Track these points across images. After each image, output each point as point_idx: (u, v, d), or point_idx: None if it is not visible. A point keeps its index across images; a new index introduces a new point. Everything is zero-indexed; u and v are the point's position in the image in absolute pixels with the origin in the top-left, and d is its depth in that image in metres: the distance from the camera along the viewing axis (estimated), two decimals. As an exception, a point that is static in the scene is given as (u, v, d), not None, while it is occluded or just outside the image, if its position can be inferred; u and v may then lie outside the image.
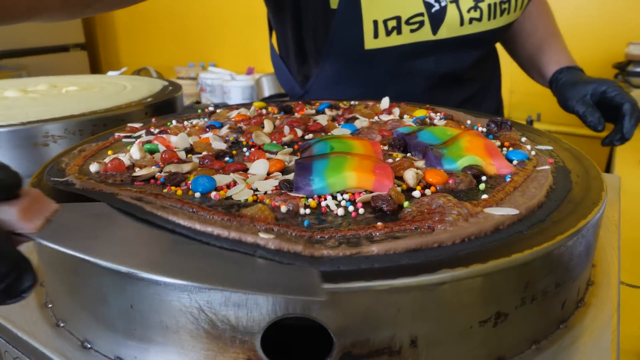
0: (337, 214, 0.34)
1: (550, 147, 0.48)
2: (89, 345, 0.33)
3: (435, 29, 0.68)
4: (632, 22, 1.53)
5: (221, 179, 0.39)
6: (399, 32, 0.67)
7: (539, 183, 0.38)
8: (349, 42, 0.69)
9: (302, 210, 0.34)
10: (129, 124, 0.60)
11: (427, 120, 0.57)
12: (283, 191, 0.36)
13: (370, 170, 0.36)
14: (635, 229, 0.67)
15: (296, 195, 0.35)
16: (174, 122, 0.61)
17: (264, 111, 0.66)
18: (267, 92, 2.59)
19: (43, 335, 0.34)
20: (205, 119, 0.62)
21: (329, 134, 0.53)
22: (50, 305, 0.37)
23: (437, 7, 0.68)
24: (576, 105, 0.70)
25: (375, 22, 0.66)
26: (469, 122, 0.58)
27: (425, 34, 0.69)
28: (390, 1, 0.66)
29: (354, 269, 0.27)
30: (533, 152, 0.46)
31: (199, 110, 0.68)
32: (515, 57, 0.92)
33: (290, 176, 0.39)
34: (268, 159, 0.44)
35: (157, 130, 0.54)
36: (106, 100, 0.78)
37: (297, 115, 0.62)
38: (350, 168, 0.36)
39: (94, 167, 0.42)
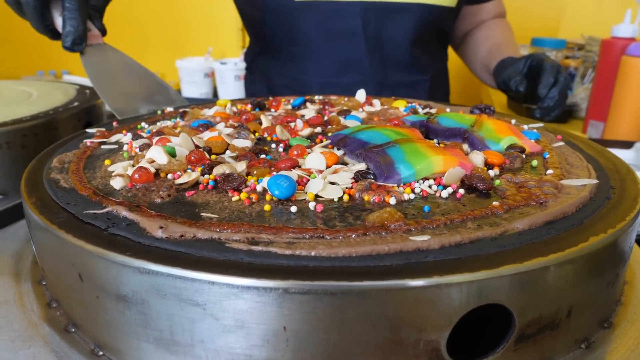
0: (441, 195, 0.33)
1: (541, 125, 0.53)
2: (194, 390, 0.26)
3: None
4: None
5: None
6: None
7: (575, 156, 0.41)
8: None
9: (405, 196, 0.32)
10: (92, 130, 0.50)
11: (416, 107, 0.59)
12: (371, 181, 0.34)
13: (449, 153, 0.36)
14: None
15: (387, 184, 0.33)
16: (143, 124, 0.52)
17: (235, 109, 0.60)
18: (136, 99, 2.39)
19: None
20: (179, 119, 0.55)
21: (335, 127, 0.50)
22: (101, 353, 0.29)
23: None
24: (506, 75, 0.74)
25: None
26: (448, 110, 0.61)
27: None
28: None
29: (517, 246, 0.26)
30: (535, 131, 0.50)
31: (159, 112, 0.60)
32: (471, 65, 0.99)
33: (356, 167, 0.37)
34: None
35: (144, 133, 0.46)
36: (21, 106, 0.64)
37: (274, 112, 0.59)
38: (432, 153, 0.35)
39: (117, 183, 0.34)
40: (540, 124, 0.53)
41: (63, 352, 0.29)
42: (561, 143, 0.46)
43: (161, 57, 2.53)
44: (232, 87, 2.20)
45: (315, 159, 0.38)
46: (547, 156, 0.42)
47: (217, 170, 0.35)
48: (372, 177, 0.34)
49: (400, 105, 0.61)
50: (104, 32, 0.62)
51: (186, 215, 0.30)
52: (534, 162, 0.40)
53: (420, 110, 0.59)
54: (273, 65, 0.92)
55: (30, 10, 0.55)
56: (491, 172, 0.37)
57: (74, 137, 0.49)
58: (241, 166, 0.35)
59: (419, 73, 0.89)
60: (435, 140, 0.46)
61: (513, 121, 0.54)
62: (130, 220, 0.29)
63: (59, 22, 0.57)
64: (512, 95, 0.79)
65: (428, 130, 0.47)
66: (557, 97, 0.70)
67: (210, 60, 2.16)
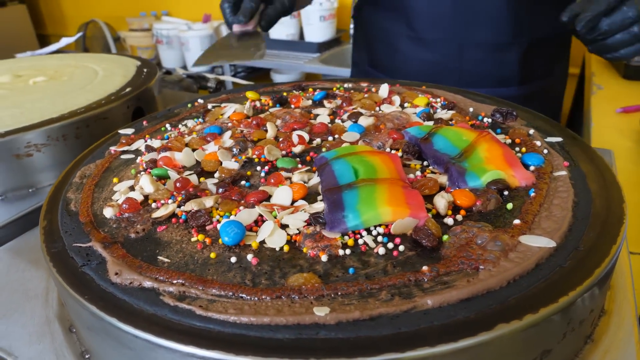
0: (377, 252, 0.34)
1: (559, 139, 0.49)
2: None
3: None
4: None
5: (248, 216, 0.37)
6: None
7: (562, 199, 0.39)
8: None
9: (340, 252, 0.34)
10: (120, 132, 0.57)
11: (431, 111, 0.57)
12: (317, 231, 0.36)
13: (403, 203, 0.36)
14: (632, 191, 0.68)
15: (331, 236, 0.35)
16: (167, 125, 0.58)
17: (257, 104, 0.63)
18: (228, 40, 2.47)
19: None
20: (200, 119, 0.59)
21: (337, 137, 0.51)
22: (87, 356, 0.37)
23: None
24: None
25: None
26: (471, 109, 0.58)
27: None
28: None
29: (414, 329, 0.28)
30: (545, 151, 0.46)
31: (189, 105, 0.64)
32: None
33: (317, 205, 0.39)
34: (285, 178, 0.43)
35: (156, 144, 0.52)
36: (81, 93, 0.72)
37: (294, 108, 0.60)
38: (384, 202, 0.36)
39: (108, 212, 0.40)
40: (559, 138, 0.49)
41: (61, 352, 0.37)
42: (563, 172, 0.42)
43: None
44: (317, 27, 2.19)
45: (282, 193, 0.40)
46: (532, 194, 0.39)
47: (187, 206, 0.39)
48: (321, 221, 0.36)
49: (421, 103, 0.59)
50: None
51: (147, 257, 0.35)
52: (509, 205, 0.38)
53: (440, 112, 0.57)
54: (372, 15, 0.89)
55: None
56: (449, 220, 0.37)
57: (106, 141, 0.55)
58: (209, 202, 0.39)
59: (512, 35, 0.77)
60: (426, 162, 0.46)
61: (531, 131, 0.50)
62: (102, 258, 0.35)
63: None
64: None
65: (421, 150, 0.47)
66: (605, 30, 0.54)
67: (294, 1, 2.15)
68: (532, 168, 0.44)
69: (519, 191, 0.41)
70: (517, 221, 0.36)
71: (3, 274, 0.46)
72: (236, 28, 0.72)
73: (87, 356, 0.37)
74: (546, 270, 0.32)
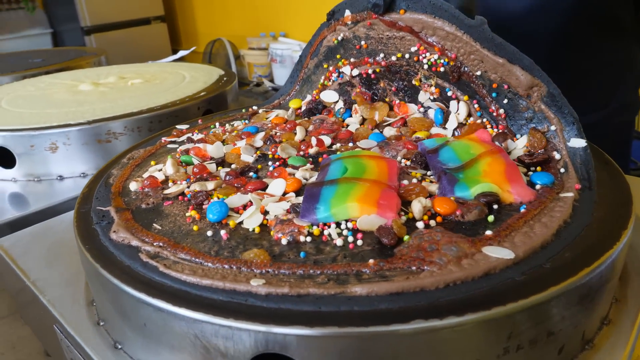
0: (335, 243, 0.35)
1: (584, 143, 0.44)
2: (120, 347, 0.38)
3: None
4: None
5: (238, 200, 0.41)
6: None
7: (552, 218, 0.37)
8: None
9: (302, 238, 0.36)
10: (176, 126, 0.65)
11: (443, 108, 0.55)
12: (290, 218, 0.38)
13: (373, 202, 0.37)
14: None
15: (300, 224, 0.37)
16: (217, 124, 0.65)
17: (300, 111, 0.67)
18: (336, 61, 2.57)
19: (86, 332, 0.40)
20: (246, 121, 0.65)
21: (356, 143, 0.53)
22: (95, 304, 0.43)
23: None
24: None
25: None
26: (478, 72, 0.54)
27: None
28: None
29: (334, 310, 0.29)
30: (562, 170, 0.44)
31: (244, 110, 0.71)
32: None
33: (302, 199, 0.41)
34: (289, 174, 0.47)
35: (198, 137, 0.58)
36: (164, 94, 0.83)
37: (329, 117, 0.63)
38: (354, 198, 0.37)
39: (133, 186, 0.46)
40: (583, 142, 0.44)
41: (76, 298, 0.44)
42: (570, 194, 0.40)
43: None
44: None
45: (277, 185, 0.43)
46: (523, 210, 0.38)
47: (192, 187, 0.44)
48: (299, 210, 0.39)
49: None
50: None
51: (145, 223, 0.40)
52: (490, 218, 0.37)
53: (452, 106, 0.56)
54: None
55: None
56: (420, 224, 0.37)
57: (163, 133, 0.64)
58: (211, 185, 0.44)
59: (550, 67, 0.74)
60: (429, 172, 0.46)
61: (553, 127, 0.46)
62: (112, 219, 0.41)
63: None
64: None
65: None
66: None
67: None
68: (537, 186, 0.42)
69: (512, 207, 0.39)
70: (489, 232, 0.35)
71: (63, 233, 0.56)
72: None
73: (94, 304, 0.43)
74: (495, 280, 0.31)
